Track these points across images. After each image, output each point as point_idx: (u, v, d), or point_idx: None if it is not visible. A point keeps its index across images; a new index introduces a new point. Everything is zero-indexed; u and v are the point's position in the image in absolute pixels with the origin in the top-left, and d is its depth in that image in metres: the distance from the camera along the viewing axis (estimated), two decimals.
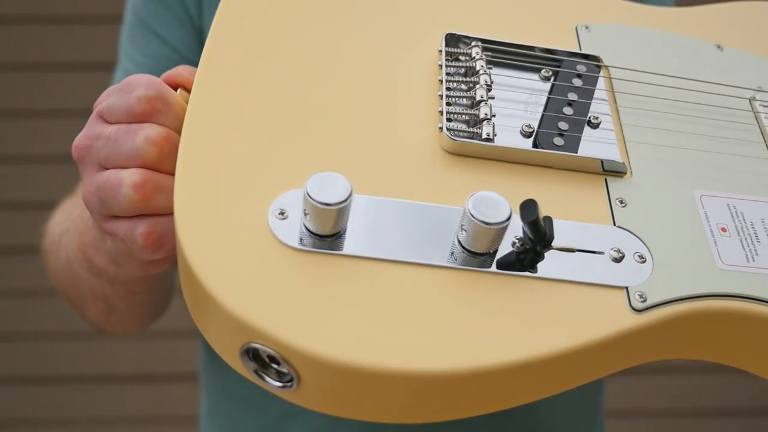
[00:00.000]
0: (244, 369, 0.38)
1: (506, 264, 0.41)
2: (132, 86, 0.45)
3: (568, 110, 0.48)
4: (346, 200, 0.38)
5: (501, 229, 0.39)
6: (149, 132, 0.43)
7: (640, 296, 0.40)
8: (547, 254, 0.41)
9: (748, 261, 0.43)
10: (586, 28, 0.54)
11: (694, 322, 0.41)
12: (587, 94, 0.49)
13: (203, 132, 0.43)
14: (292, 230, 0.40)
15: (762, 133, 0.50)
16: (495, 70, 0.50)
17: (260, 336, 0.36)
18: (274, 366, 0.38)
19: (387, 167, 0.44)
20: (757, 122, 0.51)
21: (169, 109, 0.45)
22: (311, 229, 0.39)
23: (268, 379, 0.38)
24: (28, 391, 1.61)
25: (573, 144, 0.46)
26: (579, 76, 0.50)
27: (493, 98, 0.47)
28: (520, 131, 0.47)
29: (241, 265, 0.38)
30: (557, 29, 0.54)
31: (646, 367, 1.59)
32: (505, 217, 0.39)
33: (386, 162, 0.44)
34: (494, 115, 0.46)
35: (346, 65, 0.48)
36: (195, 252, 0.38)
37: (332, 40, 0.50)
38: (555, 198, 0.44)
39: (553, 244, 0.41)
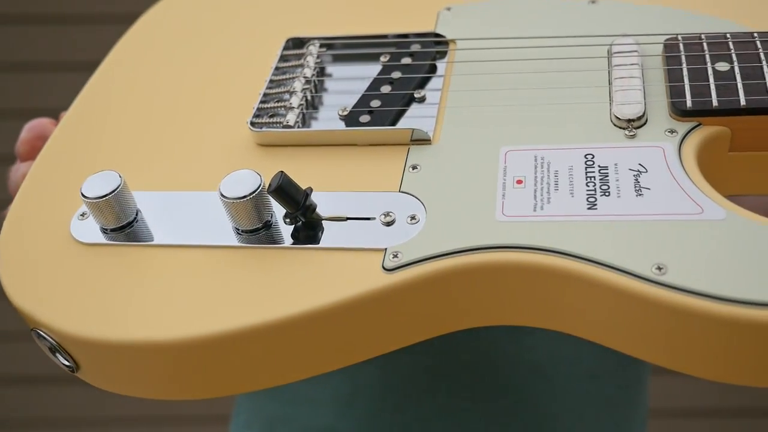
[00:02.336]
0: (42, 347, 0.43)
1: (281, 239, 0.42)
2: (22, 130, 0.53)
3: (386, 89, 0.48)
4: (110, 193, 0.42)
5: (246, 202, 0.40)
6: (24, 169, 0.51)
7: (394, 256, 0.39)
8: (330, 225, 0.42)
9: (534, 210, 0.40)
10: (448, 9, 0.54)
11: (460, 278, 0.39)
12: (414, 70, 0.49)
13: (49, 157, 0.49)
14: (90, 229, 0.44)
15: (609, 78, 0.46)
16: (334, 65, 0.52)
17: (33, 321, 0.41)
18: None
19: (196, 166, 0.47)
20: (608, 68, 0.47)
21: None
22: (98, 224, 0.44)
23: (59, 357, 0.42)
24: (27, 391, 1.59)
25: (382, 119, 0.46)
26: (411, 54, 0.50)
27: (308, 89, 0.49)
28: (338, 115, 0.48)
29: (31, 261, 0.43)
30: (419, 16, 0.54)
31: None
32: (245, 192, 0.40)
33: (196, 161, 0.47)
34: (303, 104, 0.48)
35: (195, 84, 0.53)
36: (1, 253, 0.44)
37: (192, 63, 0.54)
38: (350, 172, 0.44)
39: (324, 214, 0.42)
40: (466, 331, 0.42)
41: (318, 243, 0.41)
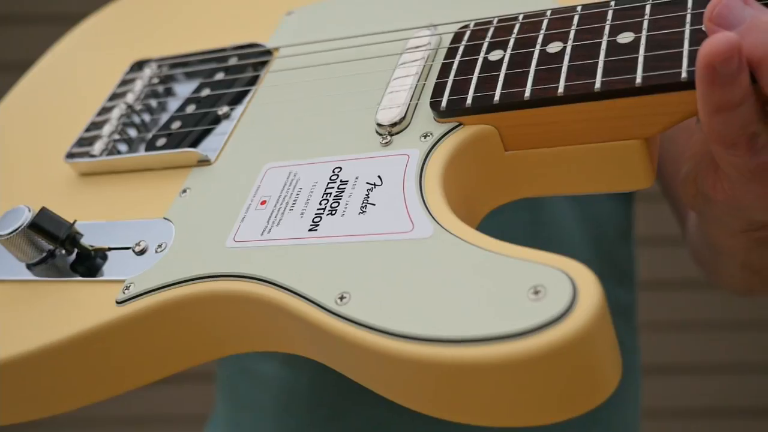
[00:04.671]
0: None
1: (60, 270, 0.43)
2: None
3: (191, 108, 0.47)
4: None
5: (14, 238, 0.42)
6: None
7: (126, 288, 0.39)
8: (108, 255, 0.43)
9: (261, 234, 0.38)
10: (290, 13, 0.52)
11: (180, 310, 0.38)
12: (224, 85, 0.48)
13: None
14: None
15: (389, 79, 0.42)
16: (176, 84, 0.51)
17: None
18: None
19: (24, 200, 0.49)
20: (395, 66, 0.43)
21: None
22: None
23: None
24: None
25: (176, 142, 0.46)
26: (226, 69, 0.49)
27: (127, 115, 0.49)
28: (149, 139, 0.48)
29: None
30: (263, 24, 0.52)
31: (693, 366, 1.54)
32: (8, 230, 0.42)
33: (24, 196, 0.49)
34: (115, 131, 0.48)
35: (66, 111, 0.55)
36: None
37: (81, 89, 0.56)
38: (135, 198, 0.45)
39: (89, 245, 0.43)
40: None
41: (96, 273, 0.42)
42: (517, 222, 0.56)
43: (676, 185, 0.54)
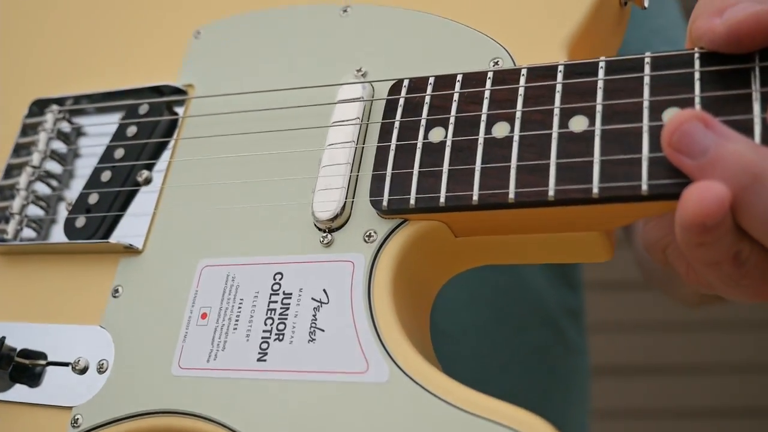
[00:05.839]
0: None
1: (2, 379, 0.41)
2: None
3: (106, 176, 0.43)
4: None
5: None
6: None
7: (75, 421, 0.37)
8: (51, 370, 0.40)
9: (208, 360, 0.36)
10: (197, 34, 0.45)
11: None
12: (137, 147, 0.42)
13: None
14: None
15: (320, 158, 0.38)
16: (84, 118, 0.46)
17: None
18: None
19: None
20: (325, 140, 0.38)
21: None
22: None
23: None
24: None
25: (96, 225, 0.41)
26: (138, 124, 0.43)
27: (35, 180, 0.44)
28: (66, 220, 0.43)
29: None
30: (170, 47, 0.46)
31: (643, 367, 1.59)
32: None
33: None
34: (27, 204, 0.44)
35: None
36: None
37: None
38: (60, 294, 0.41)
39: (24, 358, 0.40)
40: None
41: (37, 380, 0.40)
42: None
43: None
